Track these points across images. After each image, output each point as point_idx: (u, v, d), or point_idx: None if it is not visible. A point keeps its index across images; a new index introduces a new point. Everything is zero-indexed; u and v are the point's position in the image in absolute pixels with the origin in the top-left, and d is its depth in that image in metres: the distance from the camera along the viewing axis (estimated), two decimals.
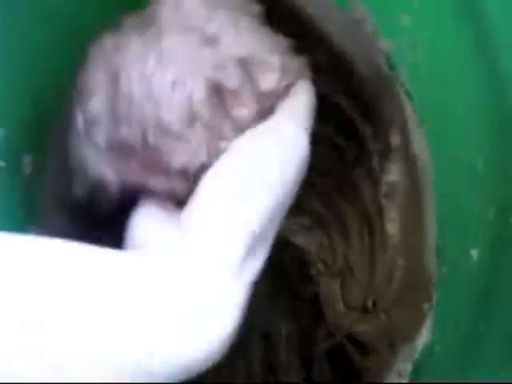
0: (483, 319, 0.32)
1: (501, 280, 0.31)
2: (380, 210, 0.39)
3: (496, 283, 0.31)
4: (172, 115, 0.28)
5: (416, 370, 0.35)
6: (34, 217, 0.33)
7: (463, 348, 0.32)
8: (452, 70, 0.32)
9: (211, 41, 0.29)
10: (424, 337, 0.35)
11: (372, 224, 0.40)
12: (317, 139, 0.34)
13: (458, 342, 0.32)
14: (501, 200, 0.30)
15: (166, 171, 0.29)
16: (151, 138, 0.28)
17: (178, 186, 0.29)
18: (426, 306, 0.35)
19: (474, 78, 0.31)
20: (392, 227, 0.38)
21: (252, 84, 0.29)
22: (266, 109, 0.30)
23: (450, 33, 0.32)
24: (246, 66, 0.29)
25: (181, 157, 0.28)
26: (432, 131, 0.34)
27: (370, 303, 0.39)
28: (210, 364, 0.25)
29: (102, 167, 0.30)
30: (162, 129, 0.28)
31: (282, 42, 0.32)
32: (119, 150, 0.29)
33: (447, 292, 0.34)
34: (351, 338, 0.39)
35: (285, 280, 0.41)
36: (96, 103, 0.29)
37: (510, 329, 0.30)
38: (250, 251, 0.26)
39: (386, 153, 0.37)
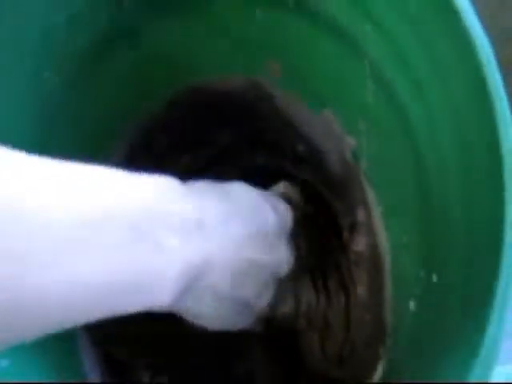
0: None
1: (431, 325, 0.39)
2: (351, 276, 0.47)
3: (428, 328, 0.39)
4: None
5: None
6: None
7: None
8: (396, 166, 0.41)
9: None
10: (379, 373, 0.42)
11: (348, 288, 0.48)
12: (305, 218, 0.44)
13: None
14: (427, 262, 0.38)
15: None
16: None
17: None
18: (381, 349, 0.42)
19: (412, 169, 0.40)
20: (361, 289, 0.47)
21: None
22: None
23: (393, 138, 0.41)
24: None
25: None
26: (386, 210, 0.43)
27: (345, 353, 0.47)
28: None
29: None
30: None
31: None
32: None
33: (395, 336, 0.41)
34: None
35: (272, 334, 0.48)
36: None
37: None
38: None
39: (353, 227, 0.46)
